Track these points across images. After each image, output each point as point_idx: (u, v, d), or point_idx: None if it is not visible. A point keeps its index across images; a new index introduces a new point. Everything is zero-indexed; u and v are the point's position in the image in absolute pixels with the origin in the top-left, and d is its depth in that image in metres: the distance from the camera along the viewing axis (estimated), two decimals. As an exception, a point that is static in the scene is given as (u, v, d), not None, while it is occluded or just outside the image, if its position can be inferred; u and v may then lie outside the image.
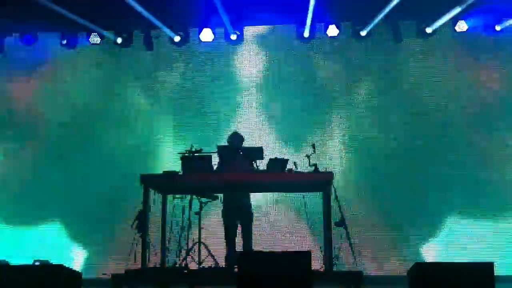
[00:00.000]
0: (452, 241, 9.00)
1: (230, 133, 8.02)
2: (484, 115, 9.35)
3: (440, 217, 9.11)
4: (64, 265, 5.35)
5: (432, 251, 8.99)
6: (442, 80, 9.51)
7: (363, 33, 9.43)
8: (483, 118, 9.34)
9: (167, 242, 7.15)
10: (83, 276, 5.61)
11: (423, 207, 9.12)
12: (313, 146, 6.91)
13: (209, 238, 8.01)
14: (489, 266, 5.04)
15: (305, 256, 5.02)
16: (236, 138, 7.78)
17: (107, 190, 9.46)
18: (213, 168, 6.81)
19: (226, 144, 7.70)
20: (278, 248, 8.65)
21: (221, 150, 7.22)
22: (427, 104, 9.46)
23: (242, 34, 9.61)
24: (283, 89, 9.78)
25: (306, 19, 9.15)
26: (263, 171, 6.85)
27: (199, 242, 7.59)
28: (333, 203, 6.50)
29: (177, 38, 9.64)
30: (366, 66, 9.70)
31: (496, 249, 8.74)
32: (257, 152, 7.09)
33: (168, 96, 9.93)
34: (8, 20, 9.47)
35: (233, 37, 9.57)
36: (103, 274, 8.09)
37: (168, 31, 9.55)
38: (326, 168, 6.97)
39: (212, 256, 7.55)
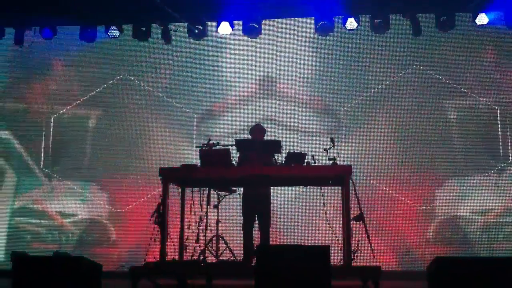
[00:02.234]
0: (473, 236, 8.95)
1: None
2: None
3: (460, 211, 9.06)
4: (84, 257, 5.40)
5: (452, 246, 8.92)
6: (462, 74, 9.41)
7: (382, 26, 9.33)
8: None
9: (185, 235, 7.17)
10: (103, 269, 5.66)
11: (443, 202, 9.06)
12: (332, 140, 6.89)
13: (227, 231, 8.02)
14: (511, 261, 4.99)
15: (324, 250, 5.01)
16: (258, 130, 7.77)
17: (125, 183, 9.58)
18: (231, 161, 6.81)
19: (244, 136, 7.70)
20: (296, 242, 8.67)
21: (239, 144, 7.21)
22: (448, 99, 9.37)
23: (260, 27, 9.57)
24: (301, 82, 9.76)
25: (324, 12, 9.10)
26: (281, 164, 6.84)
27: (217, 235, 7.61)
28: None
29: (195, 31, 9.63)
30: (385, 59, 9.63)
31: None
32: (275, 146, 7.07)
33: (186, 88, 9.94)
34: (28, 14, 9.54)
35: (251, 30, 9.53)
36: (121, 266, 8.21)
37: (186, 24, 9.56)
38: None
39: (230, 249, 7.57)
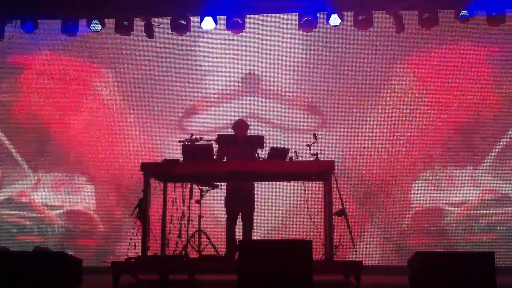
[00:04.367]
0: (449, 228, 9.03)
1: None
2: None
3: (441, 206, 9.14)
4: (65, 252, 5.36)
5: (432, 241, 8.99)
6: (445, 70, 9.48)
7: (365, 22, 9.35)
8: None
9: (167, 230, 7.15)
10: (84, 264, 5.62)
11: (425, 197, 9.13)
12: (315, 135, 6.91)
13: (210, 226, 8.01)
14: (490, 255, 5.05)
15: (306, 245, 5.02)
16: (241, 125, 7.75)
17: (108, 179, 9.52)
18: (213, 156, 6.80)
19: (227, 132, 7.68)
20: (278, 237, 8.68)
21: (221, 138, 7.19)
22: (428, 94, 9.45)
23: (243, 22, 9.54)
24: (285, 78, 9.76)
25: (308, 8, 9.11)
26: (264, 159, 6.84)
27: (199, 230, 7.59)
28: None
29: (178, 26, 9.58)
30: (368, 55, 9.66)
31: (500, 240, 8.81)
32: (258, 141, 7.07)
33: (169, 83, 9.89)
34: (9, 7, 9.42)
35: (235, 25, 9.51)
36: (102, 261, 8.15)
37: (169, 19, 9.50)
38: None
39: (212, 244, 7.55)
